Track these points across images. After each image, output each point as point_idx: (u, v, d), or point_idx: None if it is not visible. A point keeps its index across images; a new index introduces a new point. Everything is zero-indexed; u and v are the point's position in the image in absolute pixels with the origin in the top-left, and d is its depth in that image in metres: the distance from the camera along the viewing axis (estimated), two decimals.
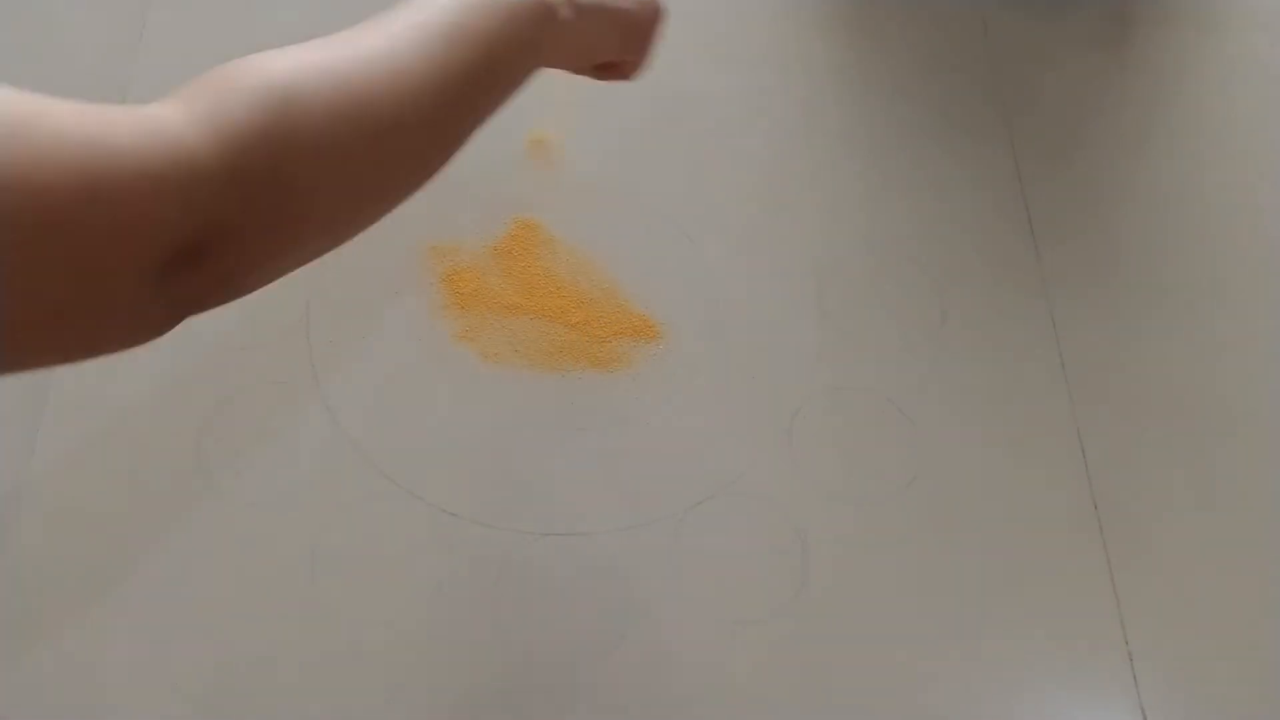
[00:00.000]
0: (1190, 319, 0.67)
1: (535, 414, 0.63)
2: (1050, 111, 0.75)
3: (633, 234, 0.69)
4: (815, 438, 0.62)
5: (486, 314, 0.66)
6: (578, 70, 0.53)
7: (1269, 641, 0.58)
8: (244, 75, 0.35)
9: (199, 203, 0.31)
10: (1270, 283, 0.68)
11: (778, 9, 0.79)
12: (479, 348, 0.65)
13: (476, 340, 0.65)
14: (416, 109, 0.38)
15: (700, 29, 0.78)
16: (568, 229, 0.69)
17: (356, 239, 0.39)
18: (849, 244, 0.69)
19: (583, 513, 0.60)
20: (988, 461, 0.62)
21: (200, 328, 0.66)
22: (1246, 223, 0.71)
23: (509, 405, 0.63)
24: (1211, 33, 0.79)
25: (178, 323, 0.34)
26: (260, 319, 0.65)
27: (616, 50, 0.52)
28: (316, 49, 0.38)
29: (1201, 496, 0.61)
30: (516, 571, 0.58)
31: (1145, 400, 0.64)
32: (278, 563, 0.58)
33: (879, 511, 0.61)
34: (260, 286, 0.36)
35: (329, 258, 0.39)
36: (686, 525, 0.60)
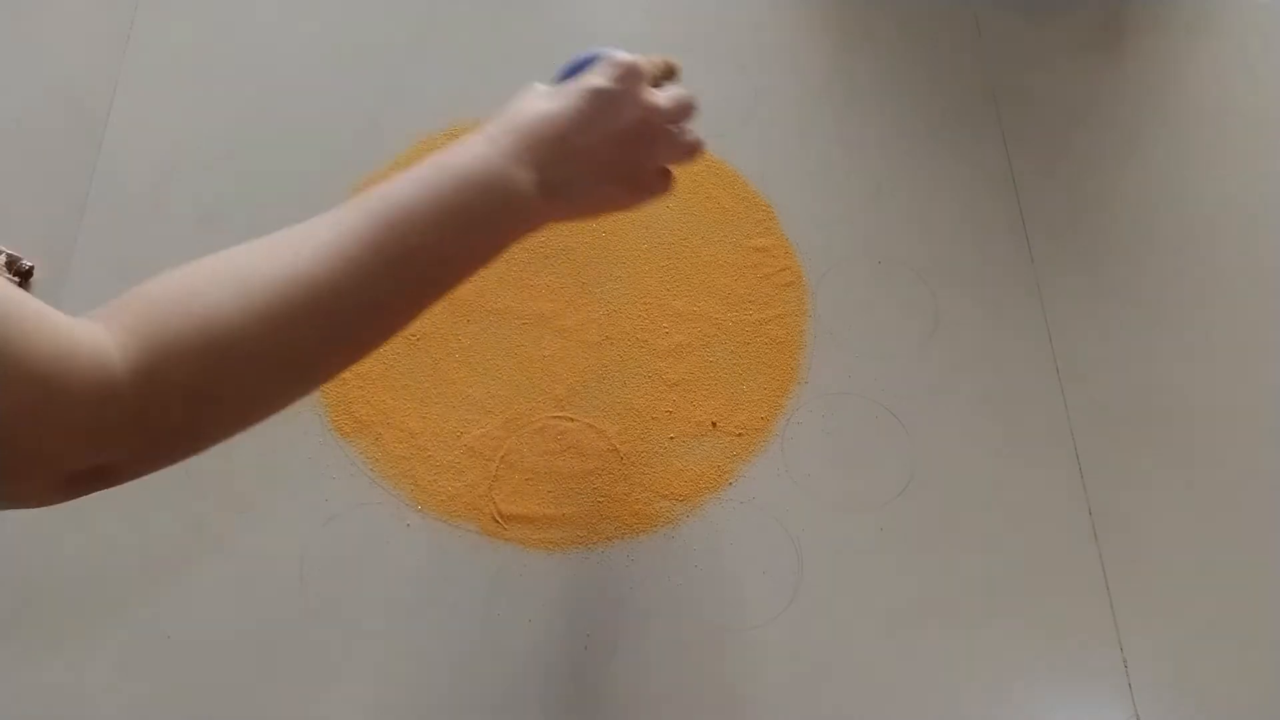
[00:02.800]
0: (1184, 322, 0.67)
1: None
2: (1044, 113, 0.75)
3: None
4: (809, 444, 0.62)
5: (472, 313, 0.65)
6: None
7: (1261, 644, 0.58)
8: (185, 329, 0.36)
9: (114, 444, 0.35)
10: (1265, 285, 0.69)
11: (772, 11, 0.79)
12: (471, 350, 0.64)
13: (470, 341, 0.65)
14: (350, 340, 0.39)
15: (696, 30, 0.77)
16: (568, 228, 0.68)
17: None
18: (842, 247, 0.69)
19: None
20: (982, 466, 0.62)
21: None
22: (1240, 225, 0.71)
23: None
24: (1203, 35, 0.79)
25: (75, 499, 0.37)
26: None
27: (613, 211, 0.48)
28: (259, 287, 0.36)
29: (1195, 500, 0.61)
30: (510, 580, 0.58)
31: (1139, 404, 0.64)
32: (269, 571, 0.58)
33: (873, 517, 0.60)
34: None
35: None
36: (681, 533, 0.60)
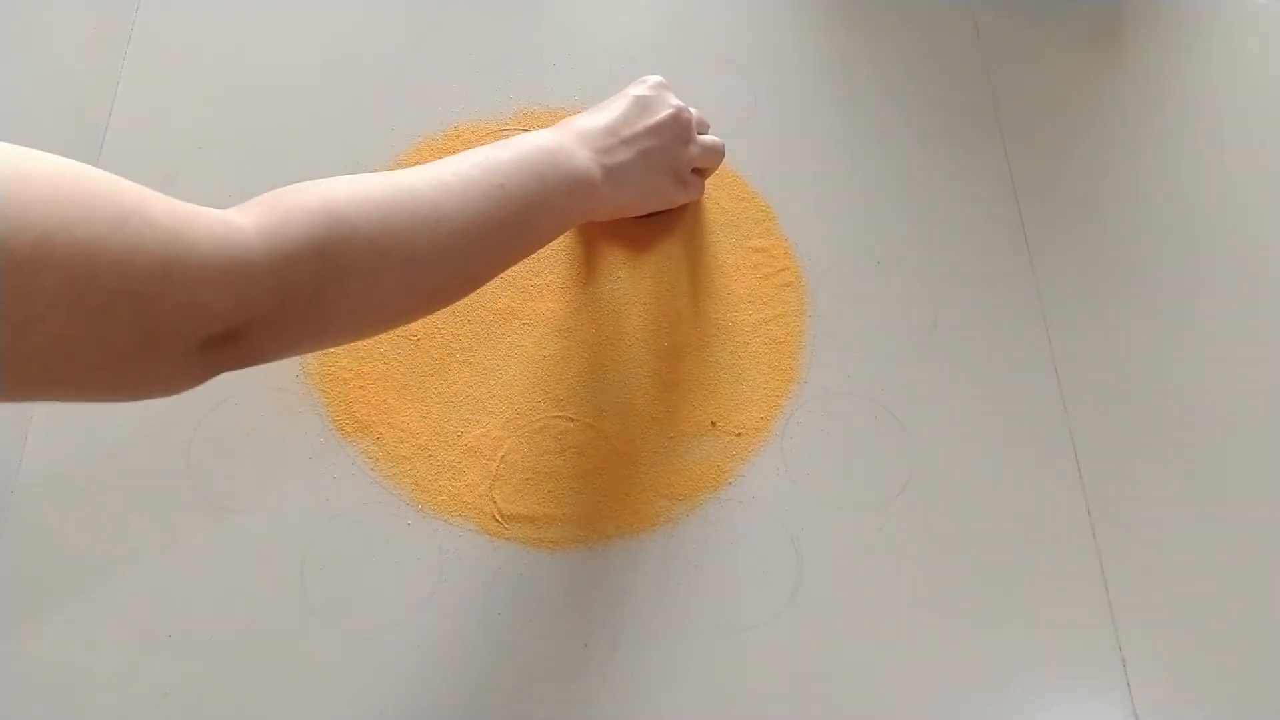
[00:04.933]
0: (1185, 322, 0.67)
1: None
2: (1043, 114, 0.75)
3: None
4: (809, 444, 0.62)
5: (478, 318, 0.66)
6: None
7: (1262, 645, 0.58)
8: (310, 198, 0.40)
9: (248, 301, 0.37)
10: (1264, 285, 0.69)
11: (770, 11, 0.79)
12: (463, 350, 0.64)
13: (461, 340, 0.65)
14: (447, 255, 0.44)
15: (695, 30, 0.78)
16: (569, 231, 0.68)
17: None
18: (842, 247, 0.69)
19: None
20: (981, 467, 0.62)
21: None
22: (1239, 226, 0.71)
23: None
24: (1203, 35, 0.79)
25: (207, 379, 0.40)
26: None
27: (661, 206, 0.60)
28: (374, 184, 0.43)
29: (1195, 501, 0.62)
30: (509, 579, 0.58)
31: (1139, 404, 0.64)
32: (269, 570, 0.58)
33: (872, 517, 0.61)
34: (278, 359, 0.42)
35: None
36: (680, 532, 0.60)
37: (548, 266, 0.67)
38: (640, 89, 0.56)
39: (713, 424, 0.62)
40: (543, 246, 0.52)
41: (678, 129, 0.56)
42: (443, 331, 0.65)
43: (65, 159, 0.34)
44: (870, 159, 0.72)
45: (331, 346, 0.44)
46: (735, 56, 0.76)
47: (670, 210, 0.67)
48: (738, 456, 0.62)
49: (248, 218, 0.38)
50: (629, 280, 0.67)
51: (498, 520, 0.60)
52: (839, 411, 0.63)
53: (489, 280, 0.50)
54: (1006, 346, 0.66)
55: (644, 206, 0.58)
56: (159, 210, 0.35)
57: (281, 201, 0.39)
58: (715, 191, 0.70)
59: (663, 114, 0.56)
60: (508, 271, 0.67)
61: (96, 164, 0.70)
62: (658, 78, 0.58)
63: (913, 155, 0.73)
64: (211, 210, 0.37)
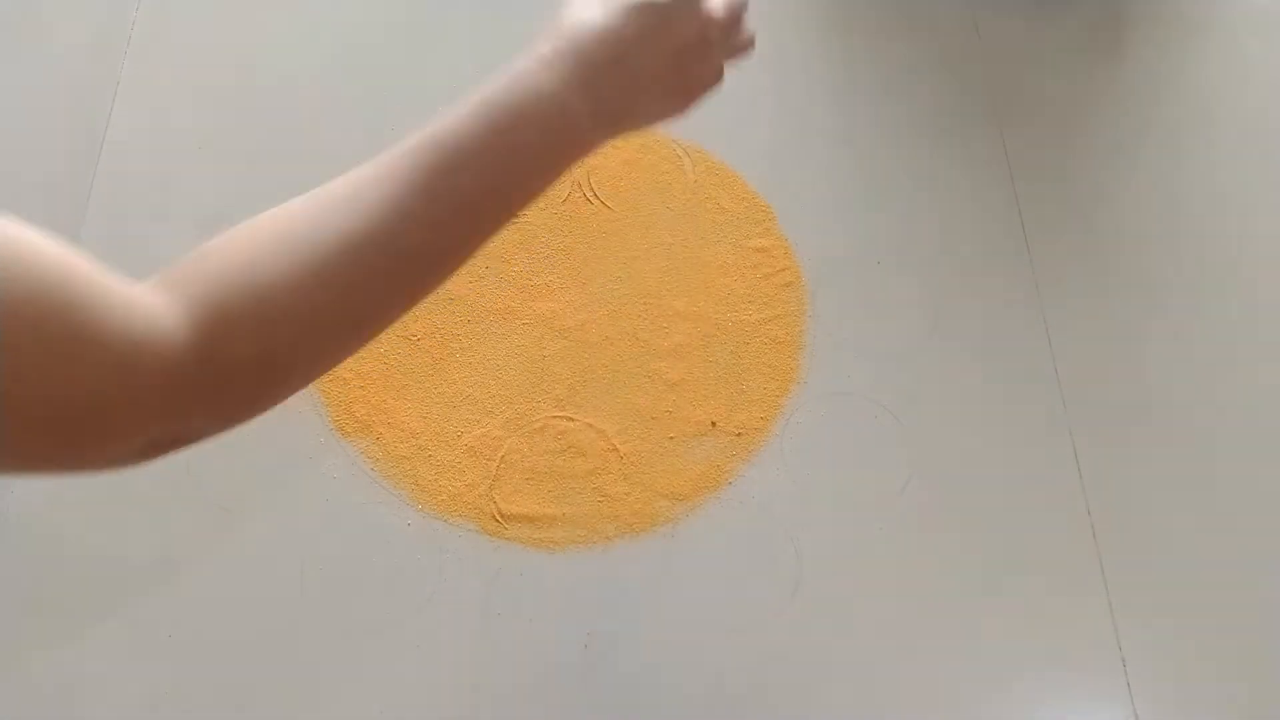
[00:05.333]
0: (1183, 322, 0.67)
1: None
2: (1043, 113, 0.75)
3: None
4: (808, 444, 0.62)
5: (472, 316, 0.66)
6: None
7: (1260, 644, 0.58)
8: (230, 276, 0.36)
9: (185, 412, 0.35)
10: (1263, 285, 0.69)
11: (770, 11, 0.79)
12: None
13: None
14: (404, 280, 0.39)
15: None
16: (567, 230, 0.68)
17: None
18: (842, 247, 0.69)
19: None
20: (981, 466, 0.62)
21: None
22: (1239, 225, 0.71)
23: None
24: (1202, 35, 0.79)
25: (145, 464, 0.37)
26: None
27: (674, 115, 0.46)
28: (305, 226, 0.37)
29: (1194, 501, 0.61)
30: (509, 579, 0.58)
31: (1138, 404, 0.64)
32: (269, 570, 0.58)
33: (873, 517, 0.60)
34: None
35: None
36: (680, 533, 0.60)
37: (548, 266, 0.67)
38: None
39: (713, 424, 0.62)
40: (528, 201, 0.41)
41: (701, 50, 0.45)
42: (443, 331, 0.65)
43: (43, 243, 0.33)
44: (871, 159, 0.72)
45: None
46: None
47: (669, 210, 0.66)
48: (738, 456, 0.62)
49: (181, 320, 0.35)
50: (629, 280, 0.67)
51: (498, 520, 0.60)
52: (839, 411, 0.63)
53: (469, 255, 0.41)
54: (1006, 346, 0.66)
55: (643, 129, 0.46)
56: (111, 326, 0.33)
57: (217, 303, 0.36)
58: (715, 191, 0.70)
59: (684, 34, 0.43)
60: (507, 271, 0.67)
61: (96, 164, 0.71)
62: None
63: (913, 155, 0.73)
64: (145, 306, 0.34)
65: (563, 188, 0.69)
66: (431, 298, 0.64)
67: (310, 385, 0.63)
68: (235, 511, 0.60)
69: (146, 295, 0.34)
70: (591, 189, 0.70)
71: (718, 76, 0.46)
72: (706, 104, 0.70)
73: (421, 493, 0.60)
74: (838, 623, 0.57)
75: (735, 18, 0.46)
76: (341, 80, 0.74)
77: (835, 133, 0.73)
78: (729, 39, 0.46)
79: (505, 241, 0.65)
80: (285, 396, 0.38)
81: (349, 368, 0.63)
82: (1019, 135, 0.73)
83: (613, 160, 0.70)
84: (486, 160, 0.40)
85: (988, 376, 0.65)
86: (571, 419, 0.62)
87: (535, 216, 0.67)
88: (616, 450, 0.61)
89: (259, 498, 0.60)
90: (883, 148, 0.73)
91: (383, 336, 0.64)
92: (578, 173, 0.69)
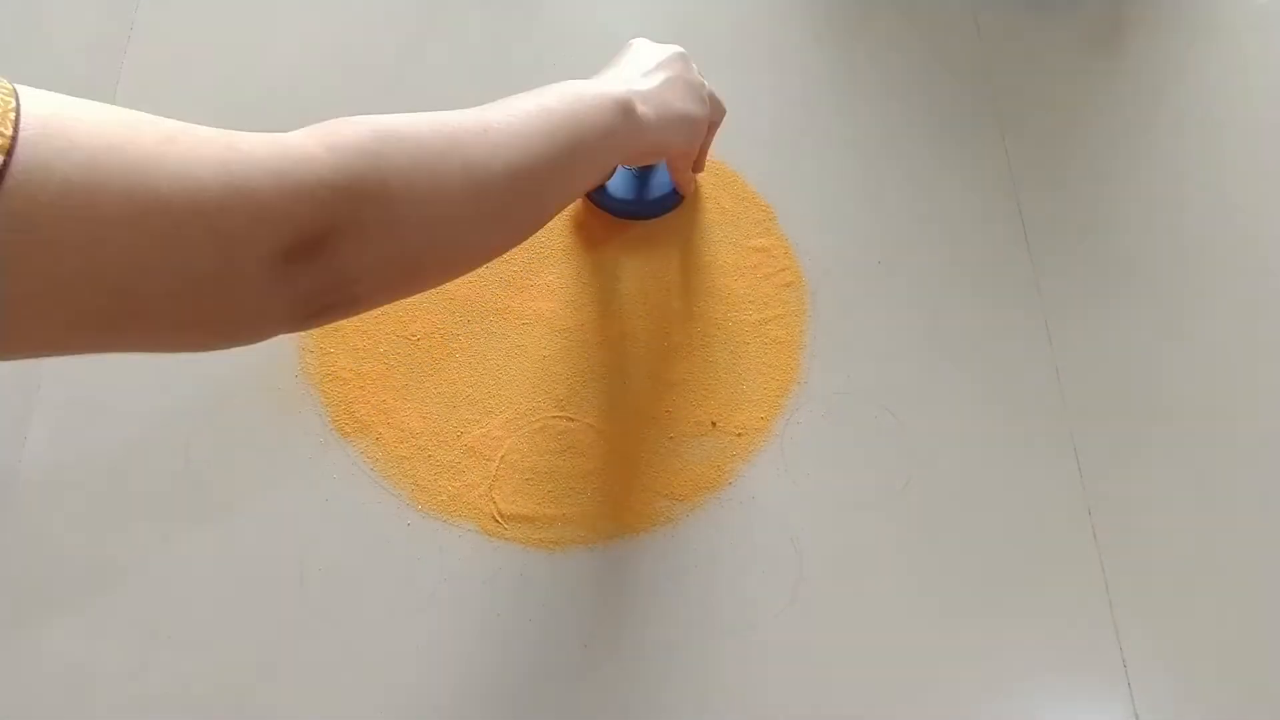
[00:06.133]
0: (1184, 322, 0.67)
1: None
2: (1044, 113, 0.75)
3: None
4: (809, 444, 0.62)
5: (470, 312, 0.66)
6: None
7: (1262, 645, 0.58)
8: (356, 119, 0.40)
9: (318, 201, 0.36)
10: (1264, 285, 0.69)
11: (770, 11, 0.79)
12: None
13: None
14: (503, 161, 0.44)
15: (695, 31, 0.77)
16: (568, 227, 0.68)
17: None
18: (842, 247, 0.69)
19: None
20: (982, 466, 0.62)
21: None
22: (1239, 225, 0.71)
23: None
24: (1203, 34, 0.79)
25: (299, 323, 0.38)
26: None
27: (680, 148, 0.60)
28: (417, 114, 0.43)
29: (1195, 500, 0.62)
30: (509, 579, 0.58)
31: (1139, 404, 0.64)
32: (269, 570, 0.58)
33: (873, 517, 0.60)
34: (371, 303, 0.41)
35: None
36: (680, 533, 0.60)
37: (548, 266, 0.67)
38: (633, 43, 0.60)
39: (713, 424, 0.62)
40: (592, 178, 0.52)
41: (684, 58, 0.60)
42: (443, 331, 0.65)
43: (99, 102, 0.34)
44: (871, 159, 0.72)
45: (419, 287, 0.44)
46: (735, 56, 0.76)
47: (675, 209, 0.67)
48: (738, 456, 0.62)
49: (295, 134, 0.38)
50: (629, 280, 0.67)
51: (498, 520, 0.60)
52: (839, 411, 0.63)
53: (550, 208, 0.50)
54: (1006, 346, 0.66)
55: (683, 130, 0.59)
56: (205, 130, 0.34)
57: (325, 123, 0.39)
58: (715, 191, 0.70)
59: (667, 50, 0.59)
60: (508, 272, 0.67)
61: None
62: (640, 38, 0.60)
63: (913, 155, 0.73)
64: (261, 135, 0.37)
65: None
66: (431, 297, 0.66)
67: (309, 385, 0.63)
68: (235, 511, 0.60)
69: (290, 137, 0.37)
70: None
71: (718, 103, 0.64)
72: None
73: (421, 493, 0.60)
74: (838, 623, 0.57)
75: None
76: (342, 80, 0.74)
77: (835, 132, 0.73)
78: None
79: None
80: (408, 260, 0.41)
81: (348, 368, 0.63)
82: (1019, 135, 0.73)
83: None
84: (579, 114, 0.48)
85: (988, 376, 0.65)
86: (571, 419, 0.62)
87: None
88: (616, 450, 0.61)
89: (259, 497, 0.60)
90: (883, 148, 0.73)
91: (382, 336, 0.64)
92: None
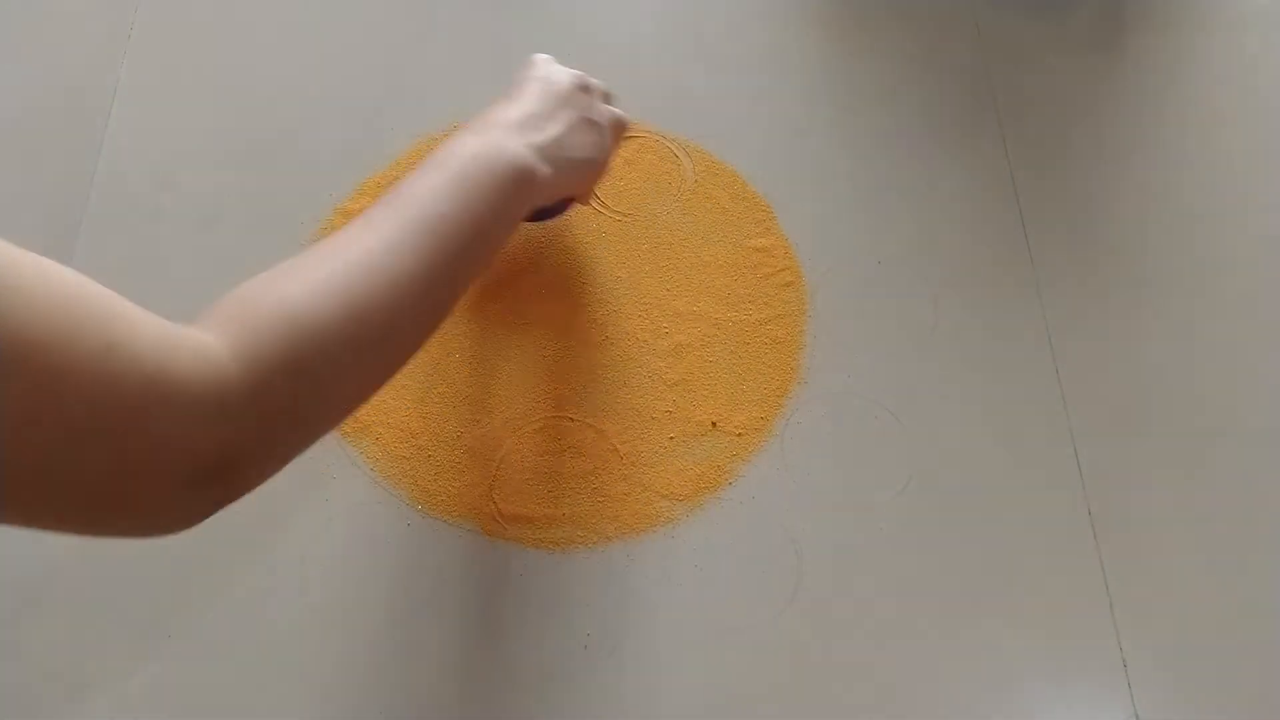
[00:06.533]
0: (1184, 322, 0.67)
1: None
2: (1043, 113, 0.75)
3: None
4: (809, 444, 0.62)
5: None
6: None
7: (1262, 645, 0.58)
8: (271, 307, 0.39)
9: (229, 437, 0.36)
10: (1264, 285, 0.69)
11: (770, 11, 0.79)
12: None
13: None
14: (413, 311, 0.44)
15: (695, 32, 0.78)
16: (569, 227, 0.68)
17: None
18: (842, 247, 0.69)
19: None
20: (982, 466, 0.62)
21: None
22: (1240, 225, 0.71)
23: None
24: (1203, 34, 0.79)
25: (206, 517, 0.39)
26: None
27: (578, 191, 0.59)
28: (326, 269, 0.41)
29: (1195, 500, 0.61)
30: (509, 579, 0.58)
31: (1140, 404, 0.64)
32: (269, 570, 0.58)
33: (873, 517, 0.60)
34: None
35: None
36: (680, 533, 0.60)
37: (548, 266, 0.67)
38: (533, 70, 0.56)
39: (713, 424, 0.62)
40: (503, 246, 0.51)
41: (584, 89, 0.57)
42: (443, 331, 0.65)
43: (70, 270, 0.33)
44: (871, 159, 0.72)
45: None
46: (735, 56, 0.76)
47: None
48: (738, 456, 0.62)
49: (221, 339, 0.37)
50: (629, 280, 0.67)
51: (498, 520, 0.60)
52: (839, 411, 0.63)
53: (460, 298, 0.49)
54: (1006, 346, 0.66)
55: (584, 176, 0.57)
56: (146, 343, 0.33)
57: (248, 314, 0.38)
58: (715, 191, 0.70)
59: (566, 81, 0.56)
60: (508, 271, 0.67)
61: (96, 164, 0.71)
62: (544, 55, 0.58)
63: (913, 155, 0.73)
64: (191, 335, 0.36)
65: None
66: None
67: None
68: (234, 512, 0.59)
69: (186, 331, 0.36)
70: None
71: (619, 130, 0.60)
72: (703, 107, 0.71)
73: (421, 493, 0.60)
74: (838, 623, 0.57)
75: (598, 87, 0.59)
76: (342, 80, 0.74)
77: (835, 132, 0.73)
78: (605, 101, 0.59)
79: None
80: (319, 418, 0.41)
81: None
82: (1019, 135, 0.73)
83: (612, 160, 0.70)
84: (453, 199, 0.46)
85: (988, 376, 0.65)
86: (571, 419, 0.62)
87: None
88: (616, 450, 0.61)
89: (258, 498, 0.60)
90: (883, 147, 0.73)
91: None
92: None
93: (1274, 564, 0.60)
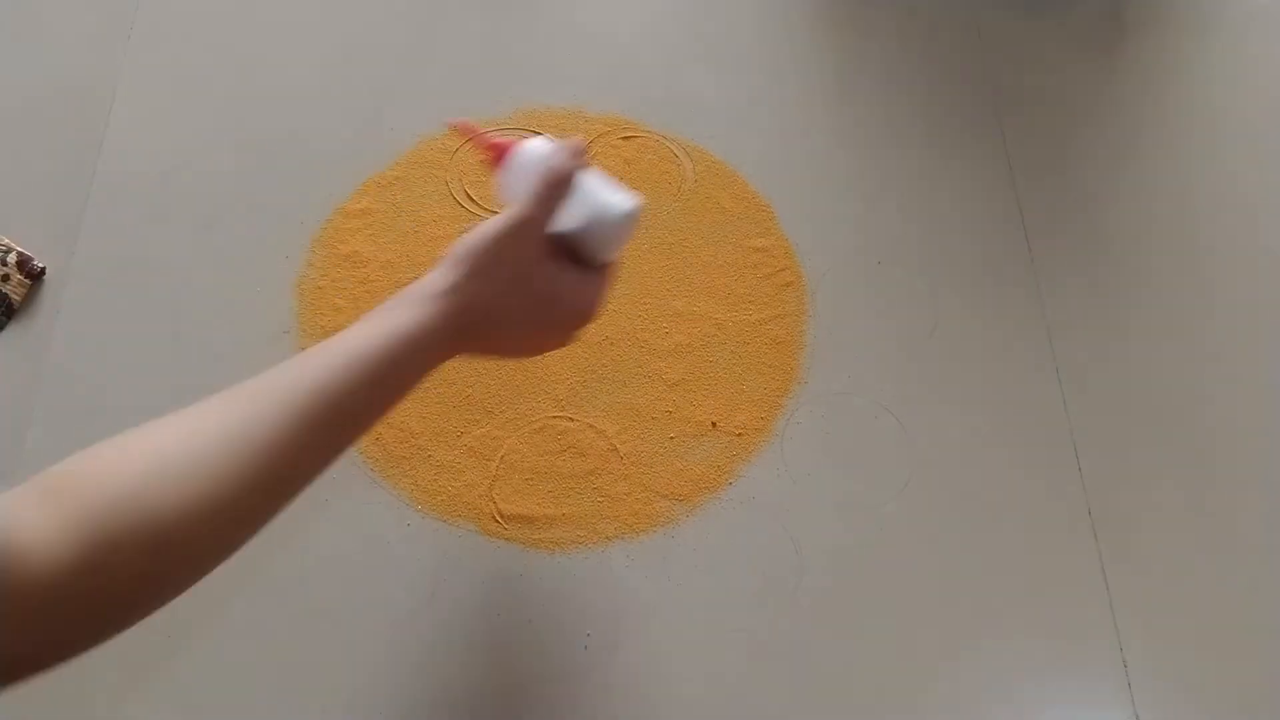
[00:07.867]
0: (1184, 323, 0.67)
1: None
2: (1043, 114, 0.75)
3: None
4: (809, 444, 0.62)
5: None
6: None
7: (1261, 646, 0.58)
8: (92, 496, 0.36)
9: (60, 628, 0.36)
10: (1264, 286, 0.69)
11: (770, 11, 0.79)
12: None
13: None
14: (235, 523, 0.42)
15: (695, 32, 0.78)
16: None
17: None
18: (842, 247, 0.69)
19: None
20: (982, 467, 0.62)
21: (188, 333, 0.66)
22: (1240, 225, 0.71)
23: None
24: (1202, 34, 0.79)
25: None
26: (248, 325, 0.64)
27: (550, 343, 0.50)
28: (148, 459, 0.38)
29: (1194, 501, 0.61)
30: (509, 580, 0.58)
31: (1139, 405, 0.64)
32: (270, 570, 0.58)
33: (873, 517, 0.60)
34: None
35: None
36: (680, 533, 0.60)
37: None
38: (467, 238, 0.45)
39: (713, 424, 0.62)
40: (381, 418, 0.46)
41: (555, 303, 0.46)
42: None
43: None
44: (871, 159, 0.72)
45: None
46: (735, 56, 0.76)
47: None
48: (738, 456, 0.62)
49: (60, 539, 0.35)
50: (629, 280, 0.67)
51: (497, 520, 0.60)
52: (839, 411, 0.63)
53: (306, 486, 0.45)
54: (1006, 347, 0.66)
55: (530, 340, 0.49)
56: None
57: (99, 526, 0.36)
58: (715, 191, 0.70)
59: (576, 310, 0.47)
60: None
61: (96, 164, 0.71)
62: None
63: (913, 155, 0.73)
64: (16, 532, 0.34)
65: None
66: None
67: None
68: None
69: (17, 510, 0.34)
70: None
71: (589, 315, 0.47)
72: (703, 107, 0.71)
73: (421, 493, 0.60)
74: (838, 623, 0.57)
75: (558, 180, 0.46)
76: (342, 80, 0.74)
77: (835, 132, 0.73)
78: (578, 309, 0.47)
79: None
80: (161, 604, 0.40)
81: None
82: (1019, 135, 0.73)
83: (612, 160, 0.70)
84: (364, 406, 0.44)
85: (988, 376, 0.65)
86: (571, 419, 0.62)
87: None
88: (616, 450, 0.61)
89: None
90: (883, 147, 0.73)
91: None
92: None
93: (1274, 564, 0.60)
